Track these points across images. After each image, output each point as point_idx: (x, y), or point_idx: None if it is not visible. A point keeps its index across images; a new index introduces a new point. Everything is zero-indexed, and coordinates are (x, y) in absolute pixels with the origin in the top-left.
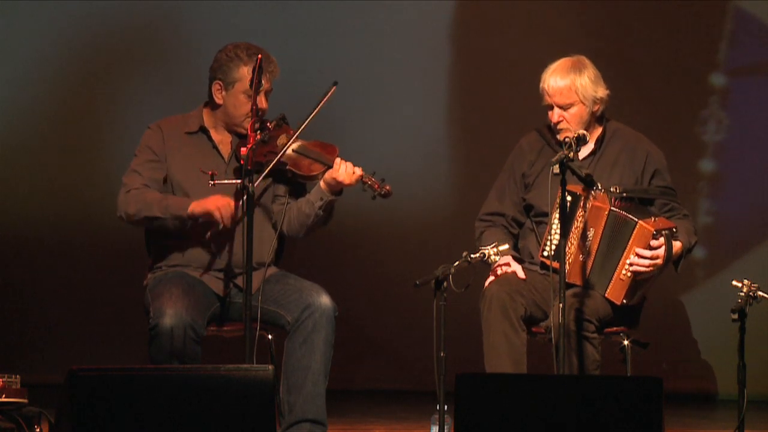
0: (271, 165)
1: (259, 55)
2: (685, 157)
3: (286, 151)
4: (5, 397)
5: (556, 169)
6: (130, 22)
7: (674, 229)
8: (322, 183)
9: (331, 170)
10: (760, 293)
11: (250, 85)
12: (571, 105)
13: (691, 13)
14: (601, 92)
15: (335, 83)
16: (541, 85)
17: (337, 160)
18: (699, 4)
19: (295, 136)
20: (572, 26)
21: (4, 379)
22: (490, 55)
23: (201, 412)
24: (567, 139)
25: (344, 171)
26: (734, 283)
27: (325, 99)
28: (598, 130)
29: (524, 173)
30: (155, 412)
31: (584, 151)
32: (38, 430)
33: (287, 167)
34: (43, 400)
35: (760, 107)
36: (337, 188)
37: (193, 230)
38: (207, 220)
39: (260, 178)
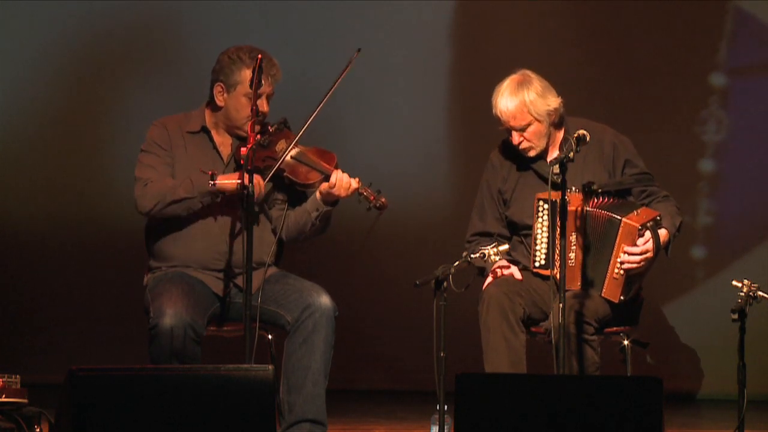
0: (272, 172)
1: (260, 55)
2: (685, 157)
3: (285, 157)
4: (5, 397)
5: (556, 169)
6: (130, 22)
7: (658, 218)
8: (317, 193)
9: (326, 182)
10: (760, 293)
11: (250, 85)
12: (527, 125)
13: (691, 13)
14: (553, 103)
15: (359, 49)
16: (493, 111)
17: (334, 174)
18: (699, 4)
19: (296, 140)
20: (572, 26)
21: (4, 379)
22: (490, 55)
23: (201, 412)
24: (567, 139)
25: (340, 185)
26: (734, 283)
27: (347, 67)
28: (560, 134)
29: (500, 189)
30: (155, 412)
31: (552, 157)
32: (38, 430)
33: (284, 174)
34: (43, 400)
35: (760, 107)
36: (332, 199)
37: (195, 223)
38: (232, 192)
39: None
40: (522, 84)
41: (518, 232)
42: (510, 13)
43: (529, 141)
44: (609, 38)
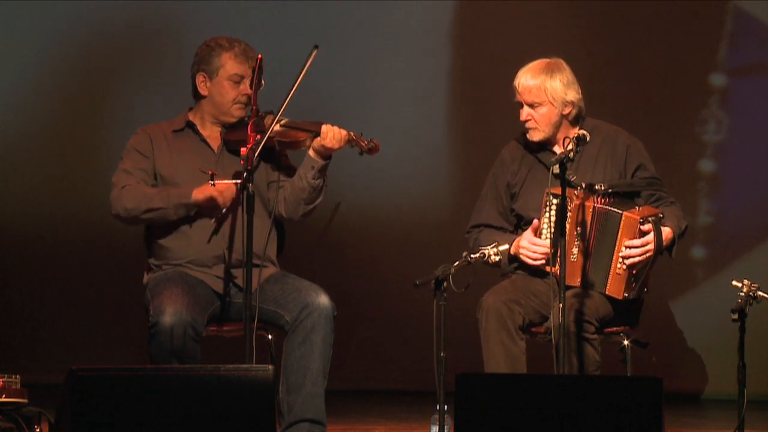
0: (263, 141)
1: (260, 56)
2: (685, 157)
3: (274, 126)
4: (5, 397)
5: (556, 169)
6: (130, 22)
7: (660, 215)
8: (310, 151)
9: (318, 138)
10: (760, 293)
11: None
12: (539, 104)
13: (691, 13)
14: (572, 96)
15: (315, 46)
16: (513, 82)
17: (324, 126)
18: (699, 4)
19: (282, 108)
20: (572, 26)
21: (4, 379)
22: (490, 55)
23: (201, 412)
24: (567, 140)
25: (332, 136)
26: (734, 283)
27: (307, 65)
28: (575, 131)
29: (509, 183)
30: (155, 412)
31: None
32: (38, 430)
33: (275, 139)
34: (43, 400)
35: (760, 107)
36: (326, 154)
37: (195, 221)
38: (210, 205)
39: (254, 156)
40: (550, 67)
41: (523, 227)
42: (510, 13)
43: (536, 122)
44: (609, 38)
